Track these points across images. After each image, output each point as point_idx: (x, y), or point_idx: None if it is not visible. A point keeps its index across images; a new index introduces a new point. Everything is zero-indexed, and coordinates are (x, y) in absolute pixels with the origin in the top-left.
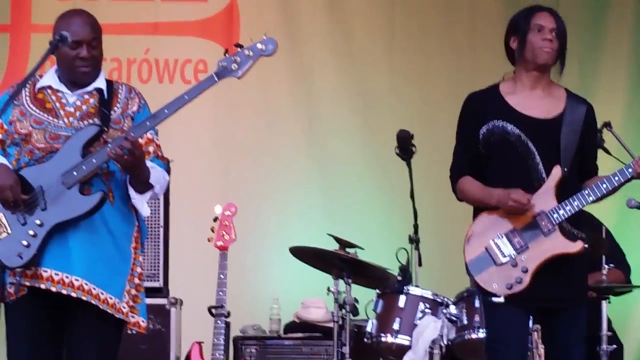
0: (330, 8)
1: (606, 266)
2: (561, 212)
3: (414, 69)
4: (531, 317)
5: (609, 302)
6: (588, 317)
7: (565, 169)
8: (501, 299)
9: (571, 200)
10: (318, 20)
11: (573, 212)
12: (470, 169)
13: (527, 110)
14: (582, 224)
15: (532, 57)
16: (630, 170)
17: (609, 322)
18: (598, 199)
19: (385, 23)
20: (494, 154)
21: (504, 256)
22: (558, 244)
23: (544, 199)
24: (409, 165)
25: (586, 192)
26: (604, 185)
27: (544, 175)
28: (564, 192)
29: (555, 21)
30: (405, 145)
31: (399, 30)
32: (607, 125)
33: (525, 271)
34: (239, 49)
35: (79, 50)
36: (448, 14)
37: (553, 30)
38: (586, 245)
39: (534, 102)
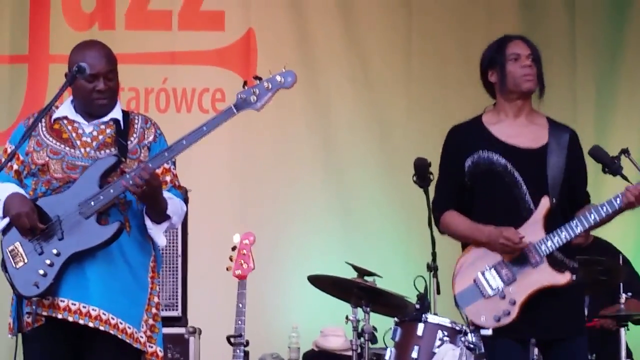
0: (347, 37)
1: (624, 294)
2: (549, 243)
3: (431, 96)
4: (535, 348)
5: (628, 330)
6: (606, 346)
7: (554, 199)
8: (489, 332)
9: (559, 231)
10: (335, 48)
11: (561, 243)
12: (454, 203)
13: (512, 139)
14: (575, 254)
15: (514, 86)
16: (618, 200)
17: (629, 350)
18: (588, 229)
19: (402, 51)
20: (479, 185)
21: (492, 289)
22: (546, 276)
23: (532, 231)
24: (426, 193)
25: (574, 222)
26: (592, 216)
27: (531, 206)
28: (553, 223)
29: (529, 47)
30: (422, 173)
31: (415, 57)
32: (625, 152)
33: (513, 303)
34: (257, 82)
35: (95, 83)
36: (465, 42)
37: (529, 56)
38: (574, 277)
39: (518, 130)
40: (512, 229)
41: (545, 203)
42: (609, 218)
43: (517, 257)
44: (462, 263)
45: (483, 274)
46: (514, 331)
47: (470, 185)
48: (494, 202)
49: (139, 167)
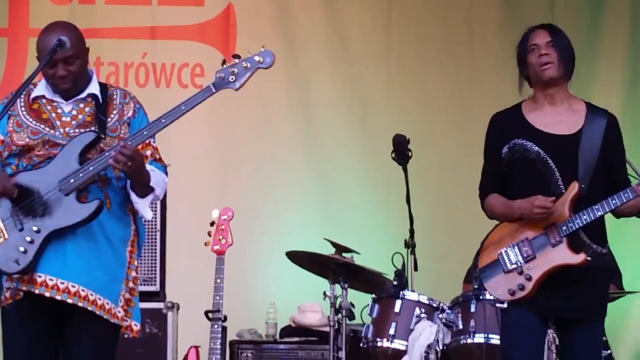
0: (327, 13)
1: None
2: (570, 224)
3: (410, 74)
4: (552, 326)
5: None
6: None
7: (583, 186)
8: (504, 305)
9: (581, 214)
10: (314, 25)
11: (581, 225)
12: (496, 189)
13: (547, 127)
14: (605, 239)
15: (536, 76)
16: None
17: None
18: (610, 212)
19: (382, 28)
20: (515, 172)
21: (512, 264)
22: (562, 256)
23: (558, 211)
24: (405, 170)
25: (596, 206)
26: (613, 201)
27: (563, 190)
28: (581, 207)
29: (549, 34)
30: (401, 150)
31: (395, 35)
32: None
33: (529, 279)
34: (236, 60)
35: (54, 70)
36: (445, 19)
37: (548, 43)
38: (589, 258)
39: (554, 118)
40: (540, 197)
41: (573, 187)
42: (630, 206)
43: (540, 236)
44: (489, 240)
45: (506, 250)
46: (533, 304)
47: (508, 171)
48: (529, 188)
49: (118, 145)
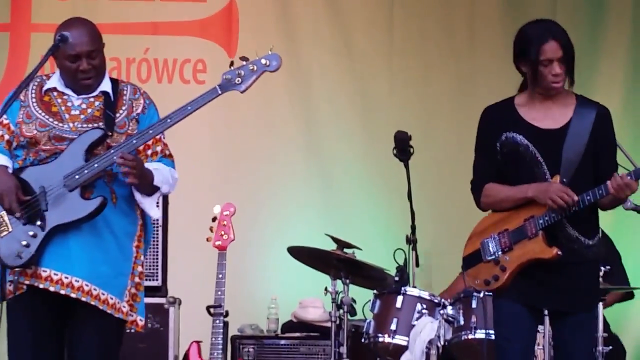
0: (329, 9)
1: (602, 268)
2: (546, 218)
3: (412, 71)
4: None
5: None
6: None
7: (565, 180)
8: (480, 295)
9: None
10: (317, 21)
11: (557, 219)
12: (493, 179)
13: (537, 121)
14: (595, 232)
15: (542, 89)
16: (603, 188)
17: (607, 324)
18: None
19: (384, 25)
20: (507, 165)
21: (490, 254)
22: (534, 249)
23: (537, 205)
24: (406, 166)
25: None
26: (588, 197)
27: None
28: None
29: (561, 47)
30: (402, 146)
31: (398, 32)
32: None
33: (504, 270)
34: (243, 63)
35: (78, 63)
36: (447, 16)
37: (561, 59)
38: (560, 253)
39: (543, 112)
40: (559, 185)
41: (554, 181)
42: (609, 201)
43: (519, 229)
44: (475, 230)
45: (487, 240)
46: (524, 297)
47: (501, 164)
48: (518, 180)
49: (118, 149)
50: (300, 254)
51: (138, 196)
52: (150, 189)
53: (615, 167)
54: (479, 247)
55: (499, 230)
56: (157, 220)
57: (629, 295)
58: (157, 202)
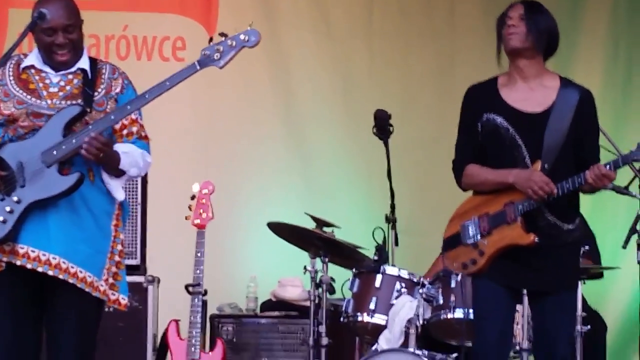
0: None
1: (582, 248)
2: (525, 204)
3: (393, 51)
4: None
5: (584, 284)
6: None
7: (546, 165)
8: (458, 278)
9: None
10: (297, 1)
11: (536, 206)
12: (474, 160)
13: (517, 103)
14: (574, 217)
15: (504, 47)
16: (582, 177)
17: (585, 303)
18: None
19: (364, 4)
20: (488, 145)
21: (469, 238)
22: (512, 235)
23: (518, 191)
24: (386, 145)
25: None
26: (567, 185)
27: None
28: None
29: (523, 8)
30: (382, 125)
31: (378, 12)
32: None
33: (482, 254)
34: (222, 38)
35: (54, 37)
36: None
37: (520, 16)
38: (537, 240)
39: (524, 94)
40: (540, 175)
41: (535, 167)
42: (589, 188)
43: (498, 213)
44: (457, 212)
45: (468, 223)
46: (502, 278)
47: (481, 144)
48: (498, 163)
49: (89, 131)
50: (280, 230)
51: (106, 177)
52: (116, 172)
53: (598, 151)
54: (459, 229)
55: (480, 214)
56: (136, 198)
57: (598, 275)
58: (131, 182)
